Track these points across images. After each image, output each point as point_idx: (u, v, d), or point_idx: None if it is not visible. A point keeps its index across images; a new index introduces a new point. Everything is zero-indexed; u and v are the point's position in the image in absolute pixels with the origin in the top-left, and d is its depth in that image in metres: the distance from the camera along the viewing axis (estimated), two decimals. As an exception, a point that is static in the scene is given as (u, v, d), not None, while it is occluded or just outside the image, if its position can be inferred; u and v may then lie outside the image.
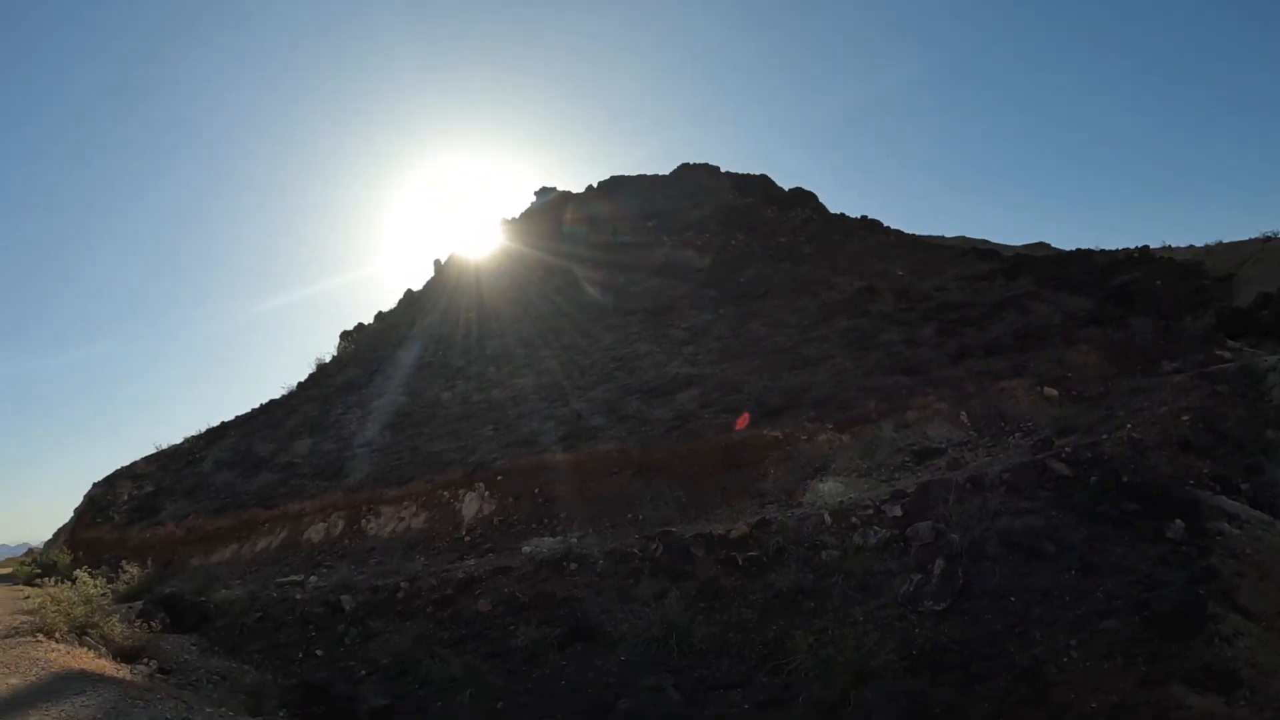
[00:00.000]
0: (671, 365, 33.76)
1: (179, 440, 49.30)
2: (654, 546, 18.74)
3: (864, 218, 59.17)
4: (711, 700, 12.50)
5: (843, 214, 61.03)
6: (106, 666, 14.75)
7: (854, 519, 16.83)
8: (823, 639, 12.01)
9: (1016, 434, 21.37)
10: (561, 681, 14.75)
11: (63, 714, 10.28)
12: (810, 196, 64.67)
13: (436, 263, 58.21)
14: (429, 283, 56.37)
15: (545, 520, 25.28)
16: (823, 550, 16.08)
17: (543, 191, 65.40)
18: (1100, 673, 10.03)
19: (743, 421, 25.13)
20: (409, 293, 56.64)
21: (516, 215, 63.24)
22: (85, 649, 16.35)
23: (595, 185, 65.10)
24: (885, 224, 58.44)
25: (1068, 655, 10.56)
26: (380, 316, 55.58)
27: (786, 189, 67.01)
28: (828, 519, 17.18)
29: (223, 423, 48.63)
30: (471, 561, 23.23)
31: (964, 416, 23.58)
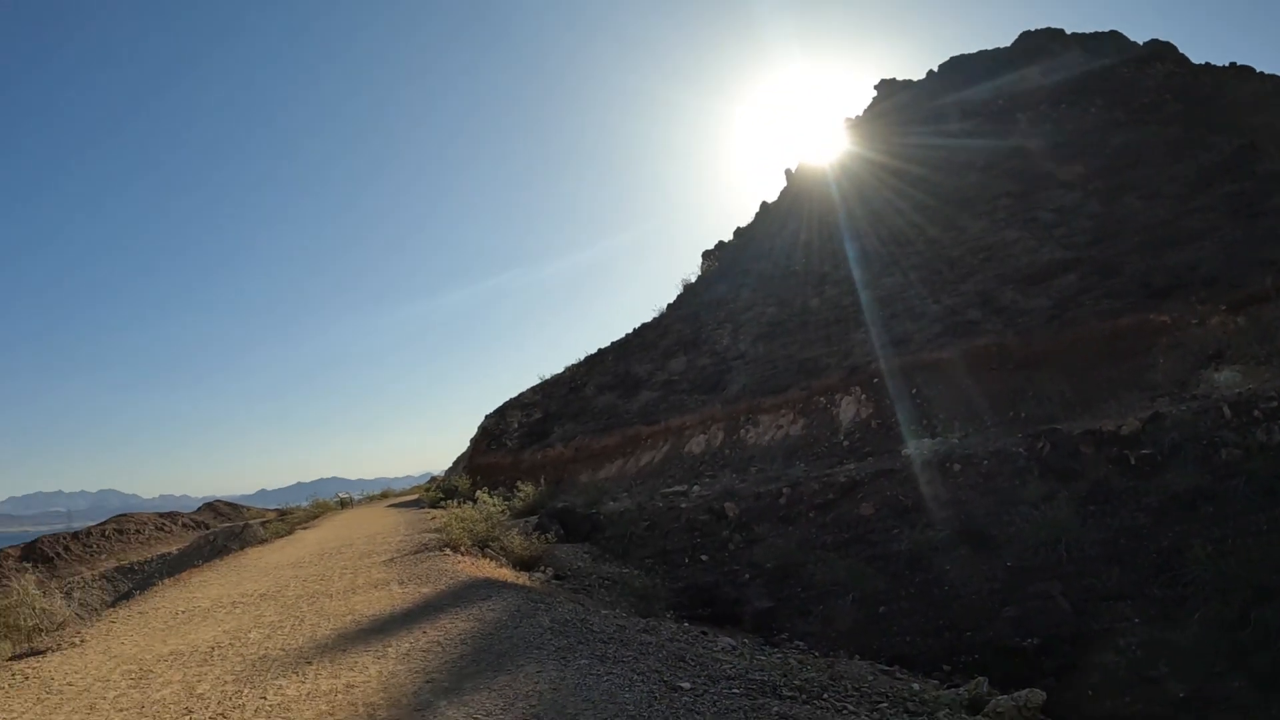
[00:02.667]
0: (1044, 250, 32.30)
1: (560, 369, 51.92)
2: (1040, 445, 18.28)
3: (1233, 65, 53.33)
4: (1101, 611, 12.05)
5: (1208, 63, 55.36)
6: (507, 575, 15.99)
7: (1256, 412, 15.71)
8: (1222, 549, 11.26)
9: None
10: (945, 587, 14.70)
11: (471, 616, 11.12)
12: (1169, 48, 58.86)
13: (787, 172, 57.80)
14: (782, 192, 55.95)
15: (924, 421, 25.03)
16: (1222, 448, 15.09)
17: (883, 85, 63.32)
18: None
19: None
20: (764, 205, 56.46)
21: (860, 113, 61.82)
22: (488, 560, 17.85)
23: (936, 70, 62.41)
24: (1259, 70, 52.66)
25: None
26: (739, 232, 55.86)
27: (1140, 43, 61.65)
28: (1227, 412, 16.12)
29: (600, 349, 50.56)
30: (851, 465, 23.42)
31: (1381, 286, 21.39)
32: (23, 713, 8.80)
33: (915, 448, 21.92)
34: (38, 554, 77.52)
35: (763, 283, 44.96)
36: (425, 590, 13.65)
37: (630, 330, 50.86)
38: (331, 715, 7.36)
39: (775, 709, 7.15)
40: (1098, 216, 33.84)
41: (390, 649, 9.60)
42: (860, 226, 43.62)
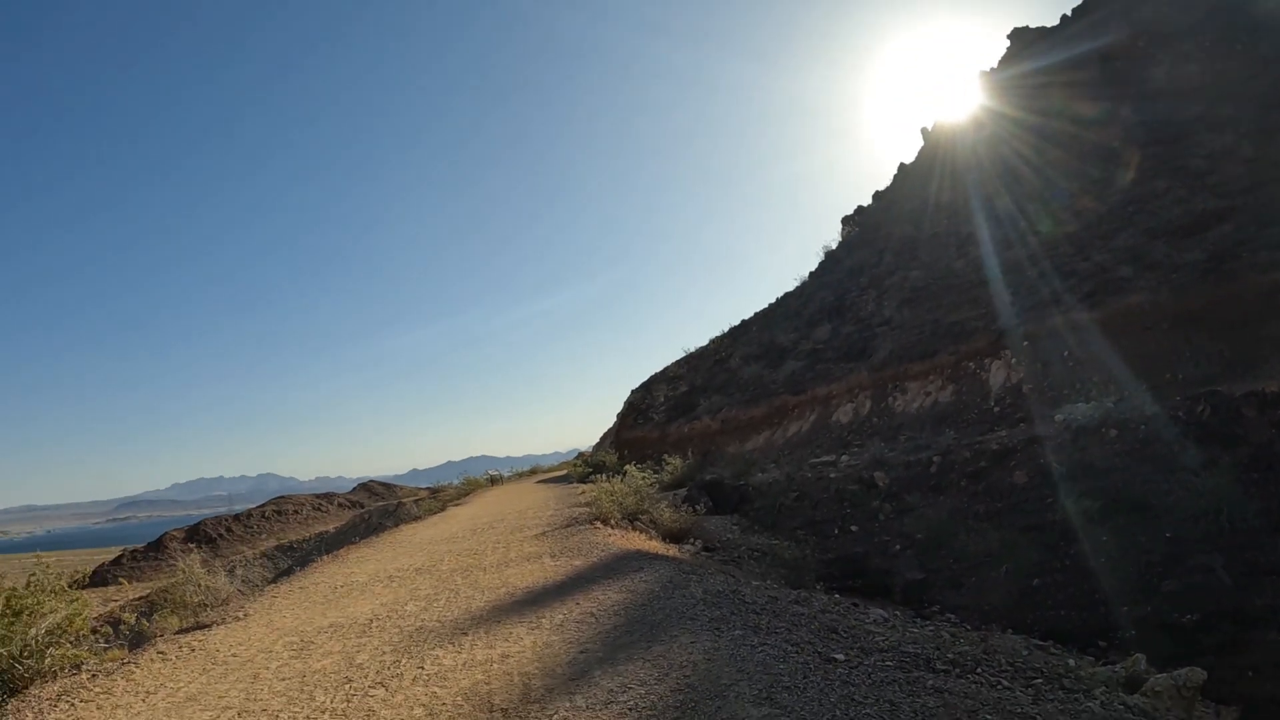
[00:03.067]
0: (1196, 200, 31.06)
1: (704, 342, 52.19)
2: (1200, 408, 17.79)
3: (1388, -11, 49.99)
4: (1264, 586, 11.73)
5: (1360, -11, 52.01)
6: (657, 547, 16.28)
7: None
8: (1397, 520, 10.93)
9: None
10: (1101, 558, 14.45)
11: (624, 588, 11.36)
12: (1315, -26, 55.54)
13: (924, 130, 56.55)
14: (920, 152, 54.53)
15: (1077, 384, 24.48)
16: (1395, 410, 14.54)
17: (1016, 34, 61.21)
18: None
19: None
20: (902, 166, 55.23)
21: (994, 65, 59.92)
22: (637, 533, 18.19)
23: (1070, 14, 60.00)
24: None
25: None
26: (878, 195, 54.86)
27: (1284, -26, 58.08)
28: (1399, 369, 15.52)
29: (743, 320, 50.67)
30: (1003, 432, 23.13)
31: None
32: (189, 682, 9.35)
33: (1068, 413, 21.51)
34: (202, 535, 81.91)
35: (905, 246, 44.32)
36: (577, 563, 14.03)
37: (773, 300, 50.81)
38: (487, 684, 7.67)
39: (930, 683, 7.19)
40: (1252, 161, 32.37)
41: (544, 620, 9.91)
42: (999, 184, 42.52)
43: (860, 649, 8.23)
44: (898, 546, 17.91)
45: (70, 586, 12.82)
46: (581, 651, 8.34)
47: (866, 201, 56.48)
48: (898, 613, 13.29)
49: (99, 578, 77.36)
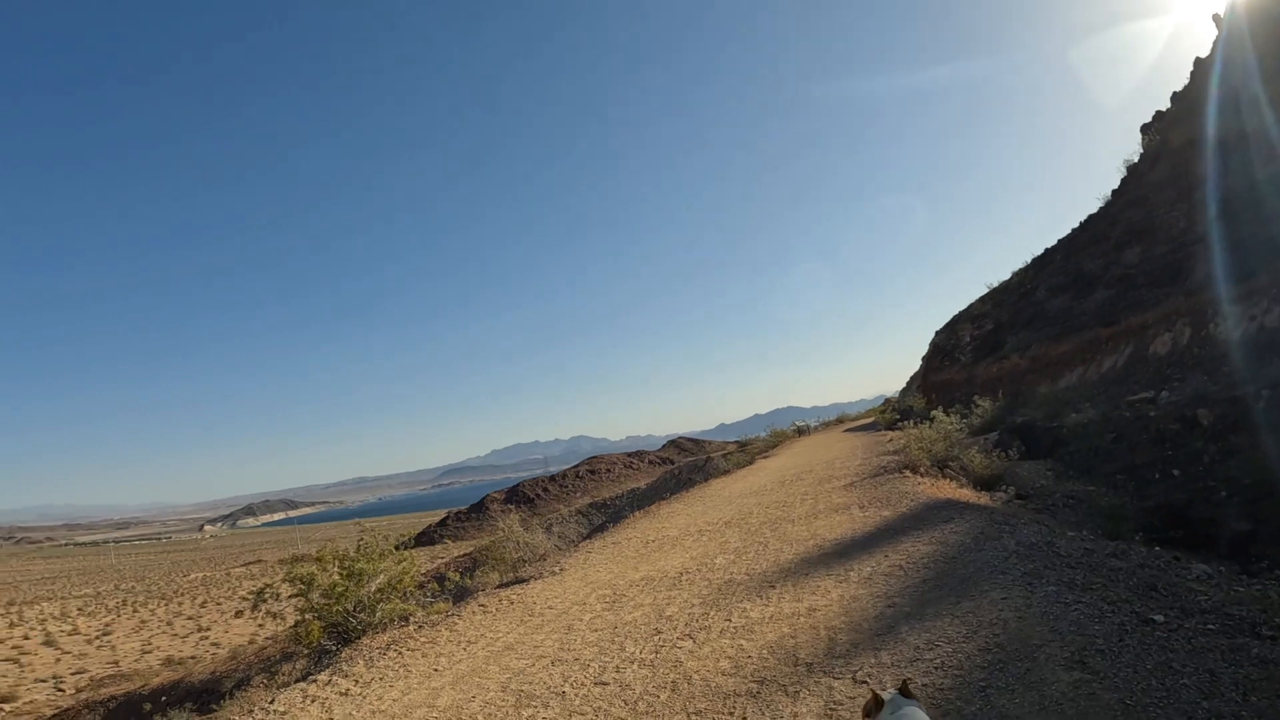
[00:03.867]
0: None
1: (1007, 276, 50.52)
2: None
3: None
4: None
5: None
6: (967, 495, 16.27)
7: None
8: None
9: None
10: None
11: (933, 539, 11.41)
12: None
13: (1216, 18, 51.54)
14: (1214, 43, 49.94)
15: None
16: None
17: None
18: None
19: None
20: (1198, 61, 50.70)
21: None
22: (947, 480, 18.18)
23: None
24: None
25: None
26: (1176, 97, 50.17)
27: None
28: None
29: (1046, 249, 48.57)
30: (1340, 360, 21.54)
31: None
32: (507, 632, 10.34)
33: None
34: (520, 496, 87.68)
35: (1215, 152, 40.82)
36: (885, 513, 14.28)
37: (1076, 225, 48.50)
38: (793, 638, 7.98)
39: (1254, 651, 6.79)
40: None
41: (851, 573, 10.18)
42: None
43: (1180, 610, 7.99)
44: (1223, 493, 17.07)
45: (397, 547, 14.28)
46: (889, 606, 8.54)
47: (1165, 105, 52.43)
48: (1222, 568, 12.72)
49: (426, 538, 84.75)
